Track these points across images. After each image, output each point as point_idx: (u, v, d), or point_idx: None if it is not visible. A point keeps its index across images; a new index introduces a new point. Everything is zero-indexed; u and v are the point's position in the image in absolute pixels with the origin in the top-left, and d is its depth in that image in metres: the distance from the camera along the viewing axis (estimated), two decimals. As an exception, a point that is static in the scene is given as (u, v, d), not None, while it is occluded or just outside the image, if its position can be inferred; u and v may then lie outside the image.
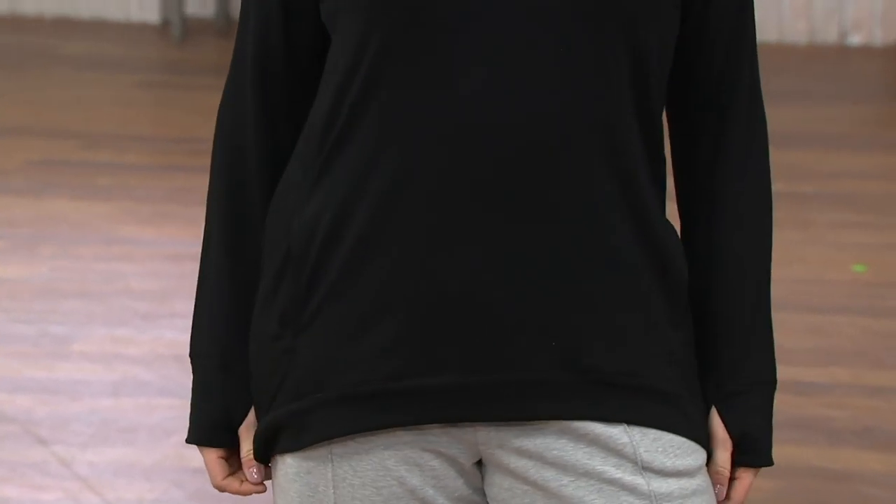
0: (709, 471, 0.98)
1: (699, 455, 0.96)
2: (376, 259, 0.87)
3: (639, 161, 0.89)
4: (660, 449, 0.93)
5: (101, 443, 4.78)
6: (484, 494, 0.97)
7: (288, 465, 0.96)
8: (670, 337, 0.93)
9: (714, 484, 0.98)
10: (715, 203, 0.93)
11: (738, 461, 0.99)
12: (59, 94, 8.23)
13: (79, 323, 5.62)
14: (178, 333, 5.51)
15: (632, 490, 0.92)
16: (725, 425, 0.97)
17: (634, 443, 0.92)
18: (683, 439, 0.94)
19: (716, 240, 0.95)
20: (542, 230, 0.86)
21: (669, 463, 0.93)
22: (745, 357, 0.98)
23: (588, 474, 0.91)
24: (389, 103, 0.83)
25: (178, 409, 5.55)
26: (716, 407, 0.97)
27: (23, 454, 4.62)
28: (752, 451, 0.98)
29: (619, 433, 0.92)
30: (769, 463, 0.99)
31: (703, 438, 0.97)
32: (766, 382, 1.00)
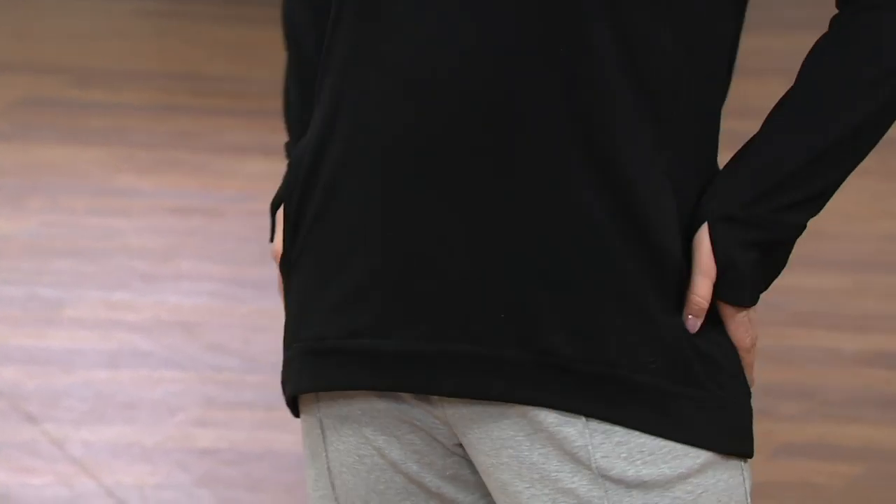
0: (685, 300, 0.84)
1: (681, 462, 0.87)
2: (342, 207, 0.89)
3: (623, 112, 0.81)
4: (623, 454, 0.87)
5: (97, 420, 4.71)
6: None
7: (300, 420, 1.00)
8: (659, 323, 0.85)
9: (686, 314, 0.84)
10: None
11: (717, 294, 0.84)
12: (47, 25, 8.00)
13: (71, 285, 5.50)
14: (182, 297, 5.55)
15: (587, 503, 0.88)
16: (713, 250, 0.82)
17: (591, 445, 0.88)
18: (659, 442, 0.87)
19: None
20: (503, 189, 0.83)
21: (632, 472, 0.87)
22: (769, 181, 0.83)
23: (543, 480, 0.89)
24: (351, 42, 0.85)
25: (183, 382, 5.41)
26: (708, 225, 0.82)
27: (9, 433, 4.52)
28: (736, 286, 0.84)
29: (575, 433, 0.88)
30: (751, 303, 0.86)
31: (695, 440, 0.86)
32: (786, 225, 0.83)
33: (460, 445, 0.94)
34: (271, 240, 1.02)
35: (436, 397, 0.90)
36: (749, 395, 0.90)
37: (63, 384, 5.16)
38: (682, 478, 0.87)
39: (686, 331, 0.85)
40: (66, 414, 4.78)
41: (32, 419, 4.67)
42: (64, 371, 5.06)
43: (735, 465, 0.89)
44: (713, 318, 0.86)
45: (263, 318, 5.19)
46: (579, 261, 0.84)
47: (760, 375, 0.97)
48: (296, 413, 1.00)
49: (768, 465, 3.54)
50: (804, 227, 0.85)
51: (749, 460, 0.91)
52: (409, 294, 0.87)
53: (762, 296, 0.89)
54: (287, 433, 4.06)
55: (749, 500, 0.92)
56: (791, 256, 0.88)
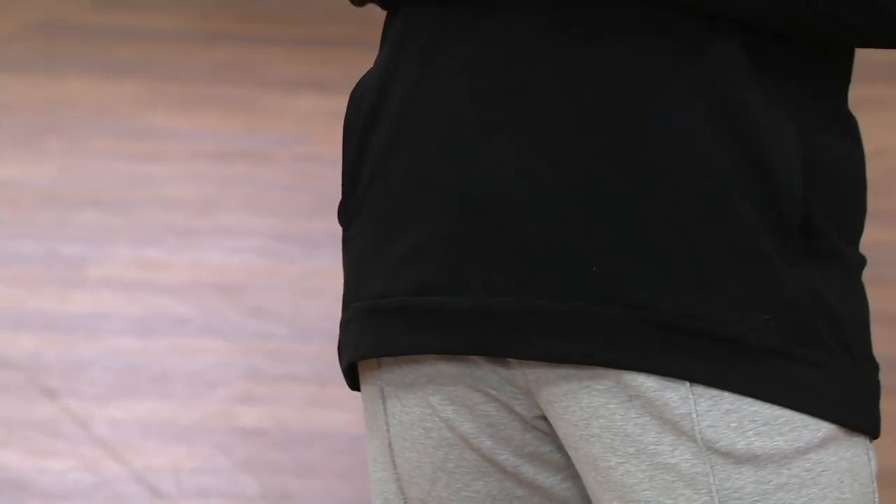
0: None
1: (799, 434, 0.86)
2: (411, 150, 0.91)
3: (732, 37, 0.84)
4: (733, 424, 0.88)
5: (126, 395, 4.61)
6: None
7: (361, 392, 1.02)
8: (780, 273, 0.84)
9: None
10: None
11: None
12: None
13: (96, 240, 5.37)
14: (223, 255, 5.50)
15: (689, 481, 0.90)
16: None
17: (696, 413, 0.89)
18: (774, 410, 0.86)
19: None
20: (586, 120, 0.84)
21: (743, 444, 0.88)
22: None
23: (639, 454, 0.90)
24: None
25: (223, 352, 5.35)
26: None
27: (25, 410, 4.37)
28: None
29: (677, 399, 0.89)
30: None
31: (817, 410, 0.86)
32: None
33: (542, 418, 0.95)
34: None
35: (514, 362, 0.90)
36: (877, 366, 0.90)
37: (87, 354, 5.09)
38: (801, 453, 0.86)
39: (811, 285, 0.84)
40: (91, 388, 4.69)
41: (52, 394, 4.58)
42: (88, 339, 4.90)
43: (860, 442, 0.88)
44: (843, 271, 0.87)
45: (315, 279, 5.13)
46: (683, 205, 0.83)
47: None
48: (353, 385, 1.01)
49: None
50: None
51: (874, 441, 0.91)
52: (481, 246, 0.87)
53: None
54: (342, 411, 3.95)
55: (875, 485, 0.91)
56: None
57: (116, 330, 5.52)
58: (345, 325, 0.98)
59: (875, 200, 1.06)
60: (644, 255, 0.83)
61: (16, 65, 6.57)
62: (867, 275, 0.94)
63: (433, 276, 0.88)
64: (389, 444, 0.97)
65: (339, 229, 0.99)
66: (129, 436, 4.13)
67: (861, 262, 0.90)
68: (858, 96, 1.12)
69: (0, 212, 5.46)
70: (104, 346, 5.18)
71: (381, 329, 0.93)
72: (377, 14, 0.96)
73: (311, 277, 5.23)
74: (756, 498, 0.87)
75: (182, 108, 6.26)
